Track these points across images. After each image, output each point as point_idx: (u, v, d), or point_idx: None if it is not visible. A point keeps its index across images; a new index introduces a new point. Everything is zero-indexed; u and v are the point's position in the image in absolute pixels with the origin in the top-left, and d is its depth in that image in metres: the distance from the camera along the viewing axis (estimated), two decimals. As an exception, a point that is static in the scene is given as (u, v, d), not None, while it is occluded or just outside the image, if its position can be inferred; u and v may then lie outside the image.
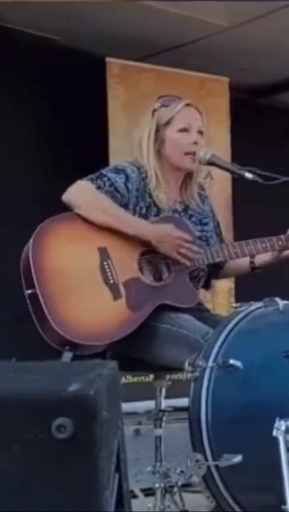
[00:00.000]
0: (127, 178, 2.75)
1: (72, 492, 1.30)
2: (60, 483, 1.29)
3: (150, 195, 2.78)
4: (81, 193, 2.72)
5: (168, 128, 2.81)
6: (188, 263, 2.70)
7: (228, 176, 3.40)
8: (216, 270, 2.93)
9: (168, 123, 2.81)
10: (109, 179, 2.72)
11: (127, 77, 4.81)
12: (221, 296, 4.92)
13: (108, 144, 4.66)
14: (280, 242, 2.74)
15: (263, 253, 2.77)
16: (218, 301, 4.88)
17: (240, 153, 4.76)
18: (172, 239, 2.68)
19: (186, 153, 2.79)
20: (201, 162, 2.79)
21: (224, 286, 4.84)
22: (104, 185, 2.71)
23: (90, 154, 4.37)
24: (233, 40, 4.90)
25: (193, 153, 2.78)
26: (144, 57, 4.98)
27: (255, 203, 4.88)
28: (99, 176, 2.73)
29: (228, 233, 4.48)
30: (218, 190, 4.73)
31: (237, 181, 2.93)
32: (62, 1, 4.26)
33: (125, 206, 2.73)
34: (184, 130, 2.80)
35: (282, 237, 2.74)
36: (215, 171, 3.10)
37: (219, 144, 4.77)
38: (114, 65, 4.79)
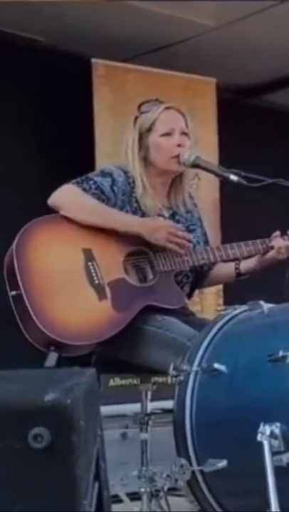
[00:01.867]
0: (114, 181, 2.74)
1: (49, 502, 1.28)
2: (37, 493, 1.28)
3: (136, 200, 2.77)
4: (67, 196, 2.71)
5: (150, 134, 2.80)
6: (182, 251, 2.68)
7: (215, 177, 3.38)
8: (200, 278, 2.91)
9: (150, 129, 2.80)
10: (95, 182, 2.71)
11: (112, 78, 4.79)
12: (209, 298, 4.91)
13: (94, 146, 4.64)
14: (264, 245, 2.74)
15: (247, 256, 2.77)
16: (207, 302, 4.87)
17: (227, 153, 4.77)
18: (164, 229, 2.67)
19: (172, 157, 2.77)
20: (186, 164, 2.77)
21: (213, 287, 4.82)
22: (90, 188, 2.70)
23: (76, 156, 4.36)
24: (221, 41, 4.90)
25: (178, 156, 2.76)
26: (130, 58, 4.97)
27: (243, 205, 4.88)
28: (85, 180, 2.72)
29: (216, 235, 4.48)
30: (205, 192, 4.71)
31: (225, 183, 2.91)
32: (47, 1, 4.24)
33: (111, 209, 2.72)
34: (167, 134, 2.78)
35: (266, 240, 2.75)
36: (202, 173, 3.08)
37: (206, 144, 4.75)
38: (99, 65, 4.77)
